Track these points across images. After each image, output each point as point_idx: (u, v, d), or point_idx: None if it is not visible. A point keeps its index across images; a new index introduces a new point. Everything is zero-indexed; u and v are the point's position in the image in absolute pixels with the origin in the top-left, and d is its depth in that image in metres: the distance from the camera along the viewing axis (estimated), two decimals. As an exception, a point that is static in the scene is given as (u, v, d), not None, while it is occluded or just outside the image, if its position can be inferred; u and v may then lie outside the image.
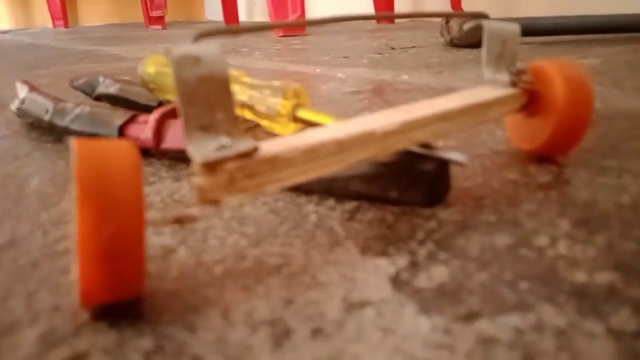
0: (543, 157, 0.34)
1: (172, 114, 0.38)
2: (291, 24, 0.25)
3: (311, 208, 0.29)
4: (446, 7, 1.83)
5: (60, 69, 1.01)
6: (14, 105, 0.51)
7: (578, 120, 0.32)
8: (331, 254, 0.24)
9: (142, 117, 0.40)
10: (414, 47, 1.07)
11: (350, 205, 0.29)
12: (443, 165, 0.27)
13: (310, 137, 0.23)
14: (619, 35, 1.01)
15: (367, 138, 0.24)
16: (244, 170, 0.21)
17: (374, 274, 0.22)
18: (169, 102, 0.46)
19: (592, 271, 0.21)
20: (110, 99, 0.52)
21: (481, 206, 0.27)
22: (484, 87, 0.33)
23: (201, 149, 0.21)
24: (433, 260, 0.22)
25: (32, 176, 0.37)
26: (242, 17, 2.59)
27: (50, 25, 2.67)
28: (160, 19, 2.37)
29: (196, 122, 0.21)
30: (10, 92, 0.76)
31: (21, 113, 0.50)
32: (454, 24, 1.02)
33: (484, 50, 0.34)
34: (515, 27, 0.34)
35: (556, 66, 0.32)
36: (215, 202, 0.21)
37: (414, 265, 0.22)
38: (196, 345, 0.18)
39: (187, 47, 0.22)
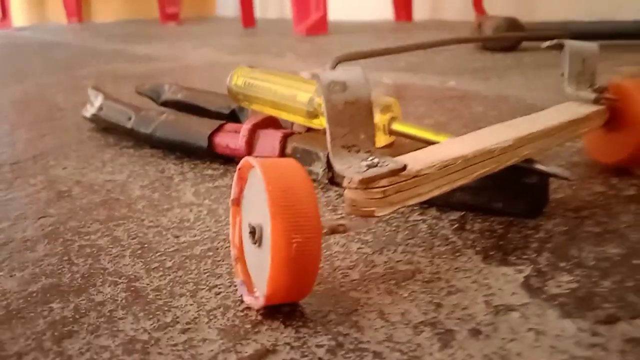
0: (621, 169, 0.36)
1: (262, 124, 0.40)
2: (412, 48, 0.28)
3: (417, 217, 0.31)
4: (467, 7, 1.85)
5: (98, 69, 1.04)
6: (88, 112, 0.53)
7: (660, 136, 0.34)
8: (455, 262, 0.26)
9: (229, 126, 0.43)
10: (446, 49, 1.09)
11: (454, 215, 0.31)
12: (545, 178, 0.30)
13: (440, 154, 0.26)
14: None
15: (487, 155, 0.27)
16: (395, 185, 0.23)
17: (505, 281, 0.24)
18: (241, 109, 0.48)
19: None
20: (177, 105, 0.55)
21: (581, 217, 0.30)
22: (570, 103, 0.35)
23: (349, 166, 0.23)
24: (556, 269, 0.25)
25: (129, 182, 0.39)
26: (257, 13, 2.60)
27: (64, 21, 2.69)
28: (175, 16, 2.40)
29: (341, 142, 0.24)
30: (57, 92, 0.78)
31: (96, 119, 0.52)
32: (487, 27, 1.04)
33: (565, 68, 0.36)
34: (594, 47, 0.37)
35: (637, 84, 0.35)
36: (368, 215, 0.23)
37: (539, 273, 0.25)
38: (371, 343, 0.21)
39: (335, 73, 0.24)
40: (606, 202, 0.32)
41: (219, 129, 0.42)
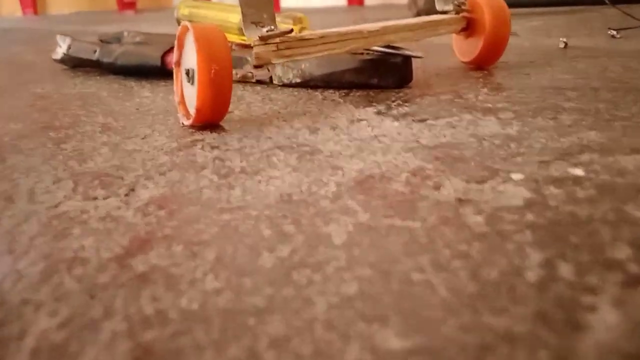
0: (475, 66, 0.49)
1: (204, 44, 0.52)
2: None
3: (318, 93, 0.43)
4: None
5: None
6: (57, 54, 0.63)
7: (500, 39, 0.47)
8: (336, 108, 0.38)
9: (178, 49, 0.54)
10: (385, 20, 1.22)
11: (344, 91, 0.43)
12: (407, 59, 0.42)
13: (324, 31, 0.38)
14: (565, 7, 1.18)
15: (357, 34, 0.39)
16: (284, 43, 0.35)
17: (364, 112, 0.36)
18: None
19: (494, 104, 0.36)
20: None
21: (433, 87, 0.42)
22: (438, 15, 0.48)
23: (255, 33, 0.35)
24: (401, 106, 0.37)
25: (98, 92, 0.50)
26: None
27: (19, 14, 2.73)
28: (132, 4, 2.48)
29: (250, 19, 0.36)
30: (27, 55, 0.88)
31: (66, 58, 0.63)
32: (419, 1, 1.18)
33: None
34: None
35: (486, 0, 0.47)
36: (267, 63, 0.35)
37: (389, 108, 0.37)
38: (267, 134, 0.32)
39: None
40: (456, 80, 0.44)
41: (169, 50, 0.53)
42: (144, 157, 0.29)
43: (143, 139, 0.33)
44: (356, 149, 0.29)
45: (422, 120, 0.33)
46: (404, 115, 0.35)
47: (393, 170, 0.24)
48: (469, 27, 0.48)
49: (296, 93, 0.44)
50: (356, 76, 0.43)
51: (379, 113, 0.36)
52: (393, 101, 0.39)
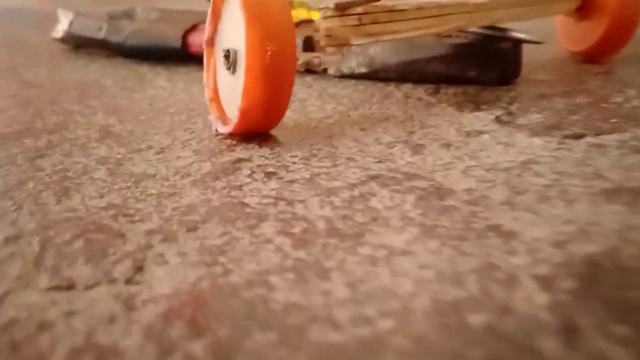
0: (590, 58, 0.37)
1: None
2: None
3: (393, 89, 0.32)
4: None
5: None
6: (58, 32, 0.52)
7: (629, 23, 0.35)
8: (430, 111, 0.27)
9: (202, 25, 0.43)
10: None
11: (429, 85, 0.32)
12: (518, 44, 0.31)
13: (419, 1, 0.26)
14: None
15: (461, 7, 0.27)
16: (369, 16, 0.24)
17: (476, 119, 0.25)
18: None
19: (670, 113, 0.25)
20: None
21: (552, 84, 0.31)
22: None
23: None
24: (525, 112, 0.26)
25: (101, 79, 0.39)
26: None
27: (31, -8, 2.62)
28: (148, -14, 2.36)
29: (317, -19, 0.24)
30: (26, 33, 0.77)
31: (68, 36, 0.51)
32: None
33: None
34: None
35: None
36: (343, 43, 0.24)
37: (510, 114, 0.25)
38: (344, 152, 0.21)
39: None
40: (576, 75, 0.33)
41: (191, 29, 0.42)
42: (161, 189, 0.18)
43: (158, 153, 0.22)
44: (506, 187, 0.17)
45: (578, 137, 0.22)
46: (543, 126, 0.23)
47: (622, 247, 0.13)
48: (585, 7, 0.36)
49: (362, 87, 0.32)
50: (446, 66, 0.31)
51: (499, 121, 0.24)
52: (509, 103, 0.27)
